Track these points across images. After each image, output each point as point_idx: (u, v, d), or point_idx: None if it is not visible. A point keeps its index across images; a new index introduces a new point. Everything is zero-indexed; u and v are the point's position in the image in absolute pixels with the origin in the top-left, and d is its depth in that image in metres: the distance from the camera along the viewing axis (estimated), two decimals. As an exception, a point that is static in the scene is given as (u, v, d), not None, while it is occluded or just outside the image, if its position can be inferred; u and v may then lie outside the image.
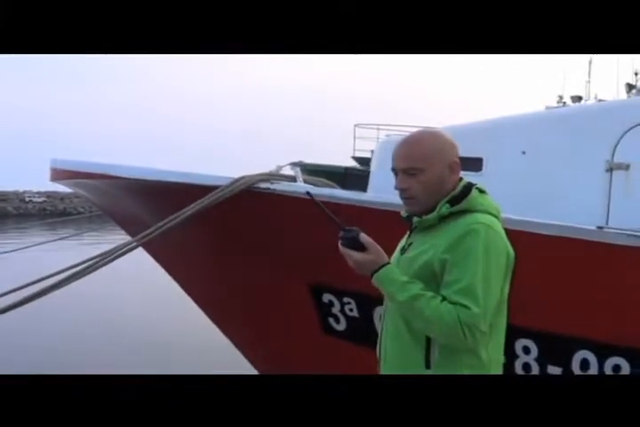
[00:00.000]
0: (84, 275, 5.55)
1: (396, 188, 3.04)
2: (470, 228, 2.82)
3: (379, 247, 2.92)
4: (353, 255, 2.90)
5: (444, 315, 2.72)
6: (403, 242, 3.12)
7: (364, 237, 2.92)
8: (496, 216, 2.97)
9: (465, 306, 2.71)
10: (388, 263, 2.92)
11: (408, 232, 3.16)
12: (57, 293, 5.47)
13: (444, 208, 2.94)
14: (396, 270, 2.90)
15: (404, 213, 3.15)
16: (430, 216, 2.97)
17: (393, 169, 3.04)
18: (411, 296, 2.80)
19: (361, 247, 2.90)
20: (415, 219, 3.06)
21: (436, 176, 2.98)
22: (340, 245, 2.94)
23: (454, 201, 2.95)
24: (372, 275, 2.90)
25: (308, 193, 3.18)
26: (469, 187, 3.01)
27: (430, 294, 2.79)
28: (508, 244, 2.93)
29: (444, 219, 2.95)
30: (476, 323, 2.71)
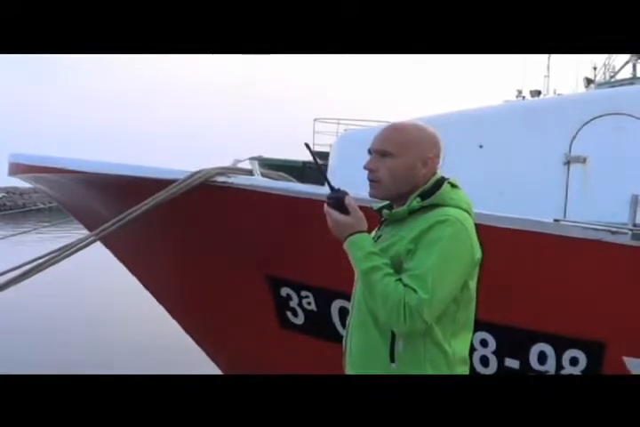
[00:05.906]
0: (41, 270, 5.49)
1: (365, 167, 3.05)
2: (438, 219, 2.84)
3: (361, 214, 2.96)
4: (333, 215, 2.95)
5: (391, 292, 2.74)
6: (372, 234, 3.12)
7: (349, 200, 2.96)
8: (467, 211, 2.98)
9: (413, 290, 2.73)
10: (365, 231, 2.94)
11: (378, 225, 3.17)
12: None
13: (414, 202, 2.96)
14: (369, 240, 2.94)
15: (375, 206, 3.18)
16: (400, 210, 2.99)
17: (369, 150, 3.08)
18: (370, 267, 2.83)
19: (345, 210, 2.94)
20: (385, 212, 3.09)
21: (406, 166, 2.99)
22: (325, 204, 2.99)
23: (425, 195, 2.96)
24: (345, 238, 2.93)
25: (306, 145, 3.22)
26: (441, 181, 3.03)
27: (389, 270, 2.82)
28: (476, 239, 2.93)
29: (413, 212, 2.96)
30: (419, 308, 2.71)
